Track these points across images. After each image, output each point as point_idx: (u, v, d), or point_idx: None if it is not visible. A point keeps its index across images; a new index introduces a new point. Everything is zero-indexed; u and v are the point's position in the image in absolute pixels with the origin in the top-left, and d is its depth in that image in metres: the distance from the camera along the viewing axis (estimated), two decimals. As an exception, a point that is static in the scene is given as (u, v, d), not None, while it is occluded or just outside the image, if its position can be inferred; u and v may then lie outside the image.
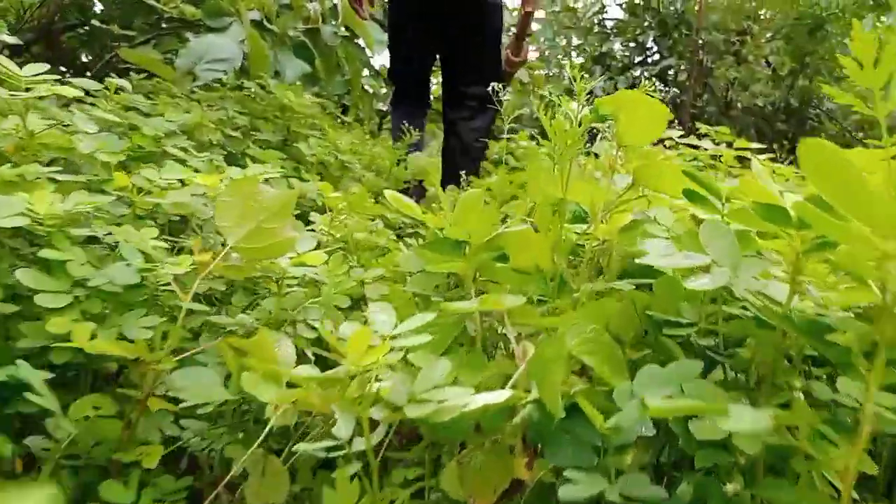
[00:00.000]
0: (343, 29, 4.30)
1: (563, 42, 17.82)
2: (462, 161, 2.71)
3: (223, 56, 3.86)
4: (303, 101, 2.02)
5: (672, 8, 4.92)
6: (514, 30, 3.20)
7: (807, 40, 4.34)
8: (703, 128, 1.78)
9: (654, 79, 4.17)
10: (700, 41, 4.75)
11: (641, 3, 5.18)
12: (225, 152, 1.79)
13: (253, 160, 1.69)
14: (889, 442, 0.70)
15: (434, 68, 3.21)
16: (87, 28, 3.86)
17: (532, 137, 2.94)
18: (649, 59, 5.26)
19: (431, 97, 3.23)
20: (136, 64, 3.63)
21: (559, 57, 15.02)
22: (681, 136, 3.63)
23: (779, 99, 4.54)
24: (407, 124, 2.67)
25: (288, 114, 1.98)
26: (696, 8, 4.73)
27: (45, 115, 1.12)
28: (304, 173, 1.79)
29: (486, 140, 2.90)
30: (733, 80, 4.59)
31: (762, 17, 4.62)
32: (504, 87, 3.55)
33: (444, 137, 3.00)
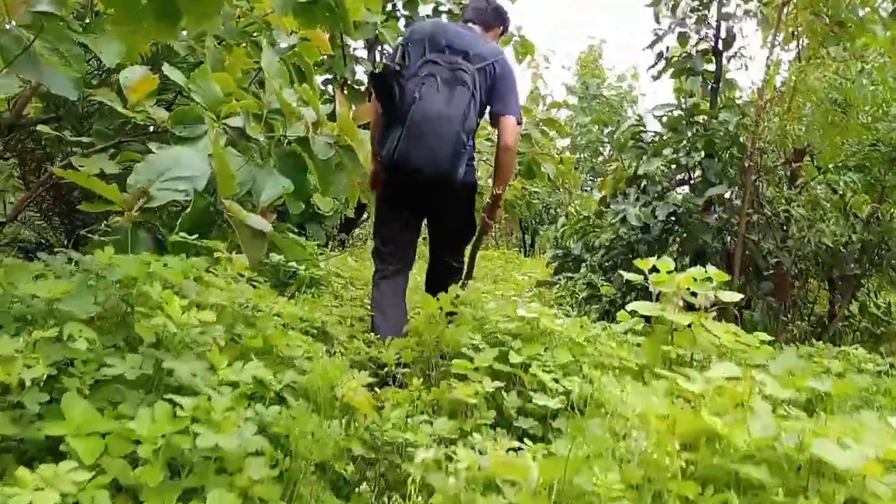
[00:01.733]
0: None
1: (595, 128, 17.26)
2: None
3: (186, 173, 3.16)
4: (189, 314, 1.26)
5: (722, 127, 4.19)
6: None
7: (887, 170, 3.58)
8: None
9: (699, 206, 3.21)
10: (753, 164, 3.99)
11: (685, 119, 4.47)
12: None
13: (51, 453, 0.94)
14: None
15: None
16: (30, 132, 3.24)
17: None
18: (692, 180, 4.51)
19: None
20: (75, 182, 2.95)
21: (591, 141, 14.48)
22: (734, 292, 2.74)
23: (855, 242, 3.74)
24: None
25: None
26: (751, 127, 4.00)
27: None
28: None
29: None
30: (797, 217, 3.81)
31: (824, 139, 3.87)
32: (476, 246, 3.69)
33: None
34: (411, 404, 1.88)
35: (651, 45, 5.40)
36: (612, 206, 4.45)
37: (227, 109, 3.32)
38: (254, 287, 2.60)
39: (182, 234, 2.72)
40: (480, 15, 3.51)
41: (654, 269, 2.81)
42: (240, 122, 3.47)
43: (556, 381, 1.91)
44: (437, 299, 2.59)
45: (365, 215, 7.67)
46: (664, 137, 4.59)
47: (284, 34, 3.92)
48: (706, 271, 2.67)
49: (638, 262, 2.82)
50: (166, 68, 3.36)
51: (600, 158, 17.54)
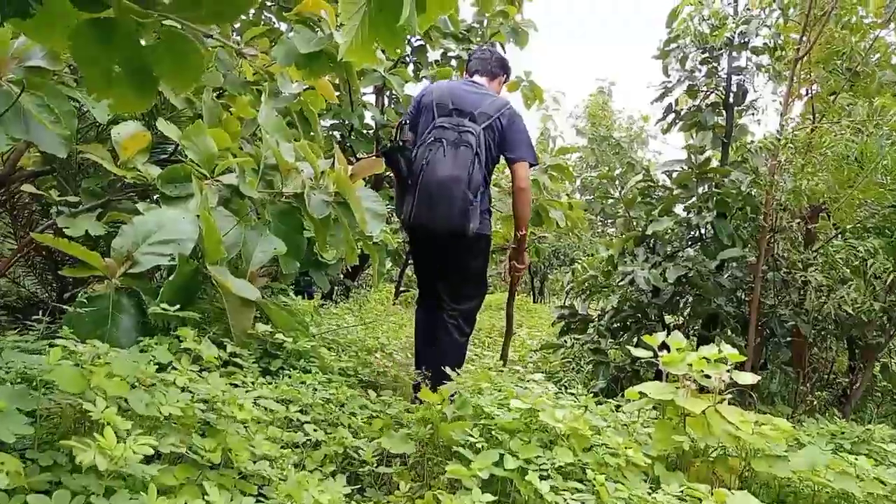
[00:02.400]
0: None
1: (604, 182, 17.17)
2: (440, 361, 3.16)
3: (173, 236, 3.01)
4: (126, 445, 1.08)
5: (734, 186, 4.03)
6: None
7: (908, 234, 3.41)
8: None
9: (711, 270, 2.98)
10: (767, 225, 3.82)
11: (695, 177, 4.31)
12: None
13: None
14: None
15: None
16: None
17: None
18: (704, 239, 4.33)
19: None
20: (56, 247, 2.83)
21: (602, 183, 14.33)
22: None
23: (877, 310, 3.54)
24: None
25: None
26: (765, 186, 3.83)
27: None
28: None
29: (463, 352, 3.56)
30: (815, 284, 3.62)
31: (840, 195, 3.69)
32: (511, 302, 4.01)
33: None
34: (394, 515, 1.69)
35: (659, 98, 5.27)
36: (619, 268, 4.27)
37: (222, 166, 3.18)
38: (236, 361, 2.43)
39: (163, 305, 2.56)
40: (485, 65, 3.67)
41: (665, 346, 2.62)
42: (234, 178, 3.32)
43: (555, 490, 1.71)
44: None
45: (369, 261, 7.53)
46: (674, 193, 4.43)
47: (289, 82, 3.81)
48: (720, 350, 2.48)
49: (646, 339, 2.64)
50: (160, 123, 3.25)
51: (610, 201, 17.31)
